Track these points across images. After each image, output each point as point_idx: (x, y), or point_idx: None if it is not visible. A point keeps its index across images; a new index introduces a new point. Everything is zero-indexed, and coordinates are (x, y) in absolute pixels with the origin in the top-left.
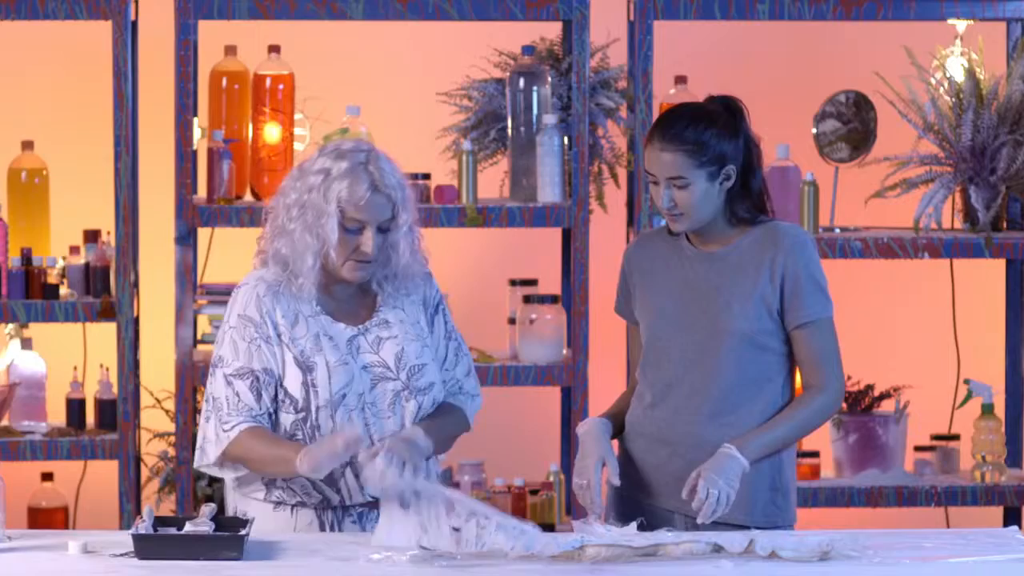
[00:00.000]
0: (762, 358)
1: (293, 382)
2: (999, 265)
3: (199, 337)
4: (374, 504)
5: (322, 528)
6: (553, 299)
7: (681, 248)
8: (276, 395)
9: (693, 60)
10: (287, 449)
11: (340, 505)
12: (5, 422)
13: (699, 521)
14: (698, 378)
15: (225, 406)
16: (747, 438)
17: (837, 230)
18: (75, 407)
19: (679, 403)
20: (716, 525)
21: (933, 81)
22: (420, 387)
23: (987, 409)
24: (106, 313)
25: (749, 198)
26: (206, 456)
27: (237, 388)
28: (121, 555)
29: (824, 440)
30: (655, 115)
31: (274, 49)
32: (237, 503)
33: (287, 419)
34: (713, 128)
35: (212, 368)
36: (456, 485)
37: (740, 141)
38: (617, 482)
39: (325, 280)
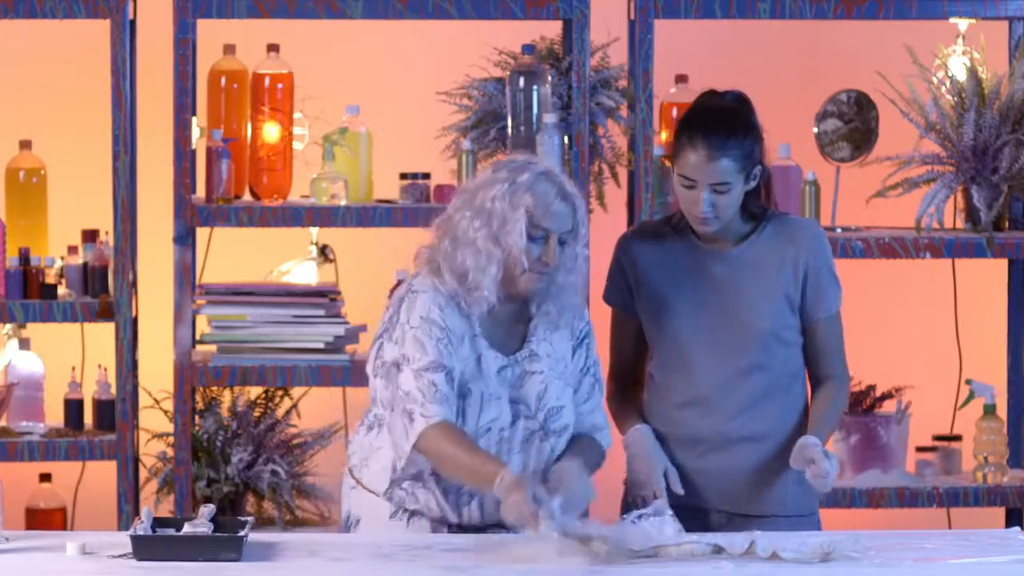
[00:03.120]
0: (786, 353)
1: None
2: (1001, 265)
3: (198, 337)
4: (493, 528)
5: None
6: None
7: (694, 245)
8: None
9: (694, 59)
10: (488, 464)
11: (456, 525)
12: (3, 423)
13: (824, 490)
14: (728, 377)
15: (420, 396)
16: (814, 430)
17: (838, 230)
18: (73, 407)
19: (710, 403)
20: (751, 518)
21: (935, 80)
22: (555, 429)
23: (989, 410)
24: (104, 313)
25: (758, 192)
26: (401, 451)
27: (432, 379)
28: (119, 556)
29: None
30: (656, 114)
31: (273, 48)
32: (352, 505)
33: None
34: (749, 132)
35: (389, 369)
36: None
37: (759, 138)
38: (681, 490)
39: (496, 297)
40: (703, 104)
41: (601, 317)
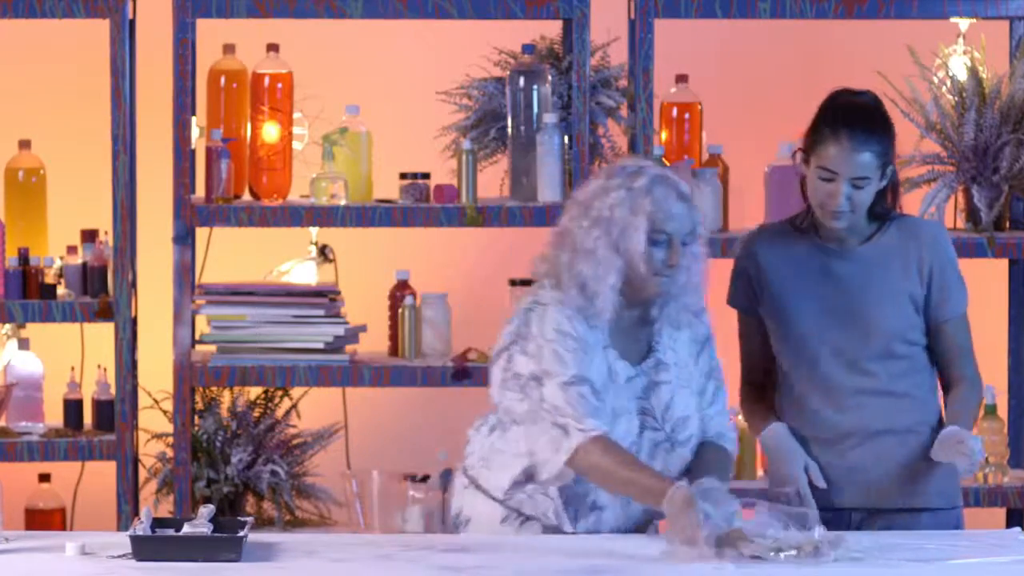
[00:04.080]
0: (912, 351)
1: None
2: (1002, 265)
3: (197, 337)
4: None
5: None
6: None
7: (817, 245)
8: None
9: (694, 59)
10: (655, 480)
11: (570, 534)
12: (2, 423)
13: (971, 472)
14: (859, 378)
15: (572, 410)
16: (953, 422)
17: None
18: (73, 408)
19: (842, 404)
20: (892, 513)
21: (936, 80)
22: (682, 440)
23: (990, 410)
24: (104, 313)
25: (884, 192)
26: (548, 469)
27: (580, 391)
28: (119, 556)
29: None
30: (656, 114)
31: (273, 48)
32: (464, 504)
33: None
34: (888, 129)
35: (527, 383)
36: None
37: (894, 137)
38: (823, 484)
39: (616, 306)
40: (843, 100)
41: (725, 319)
